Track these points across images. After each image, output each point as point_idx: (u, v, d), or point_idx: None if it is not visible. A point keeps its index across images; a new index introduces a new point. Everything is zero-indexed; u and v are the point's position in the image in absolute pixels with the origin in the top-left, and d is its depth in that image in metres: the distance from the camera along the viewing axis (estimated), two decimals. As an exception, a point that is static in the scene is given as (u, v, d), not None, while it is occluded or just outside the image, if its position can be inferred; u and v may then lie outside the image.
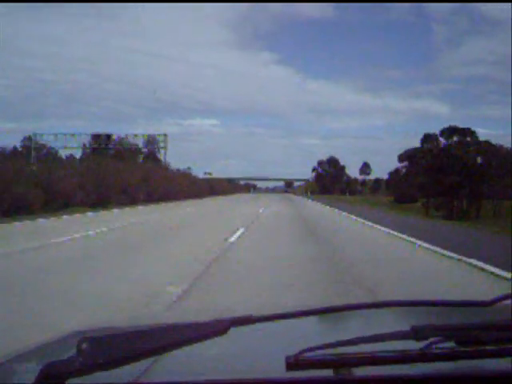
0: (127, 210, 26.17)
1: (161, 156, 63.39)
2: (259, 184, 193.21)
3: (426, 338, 0.81)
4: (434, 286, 6.33)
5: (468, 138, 36.59)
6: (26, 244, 9.95)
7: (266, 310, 1.44)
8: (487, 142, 35.45)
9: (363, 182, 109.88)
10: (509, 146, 34.27)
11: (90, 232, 12.58)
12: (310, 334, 1.22)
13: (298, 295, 5.54)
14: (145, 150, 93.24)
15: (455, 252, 9.10)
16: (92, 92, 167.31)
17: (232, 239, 11.33)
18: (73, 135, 51.73)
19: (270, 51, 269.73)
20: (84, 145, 52.02)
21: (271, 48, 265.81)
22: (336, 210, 28.69)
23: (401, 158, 71.84)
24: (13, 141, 61.80)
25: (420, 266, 8.18)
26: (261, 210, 25.18)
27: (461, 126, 36.65)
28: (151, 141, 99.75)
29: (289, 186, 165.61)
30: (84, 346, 0.73)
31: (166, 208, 29.35)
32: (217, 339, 0.82)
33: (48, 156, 51.62)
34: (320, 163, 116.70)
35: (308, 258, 8.43)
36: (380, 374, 0.82)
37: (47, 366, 0.73)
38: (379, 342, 0.81)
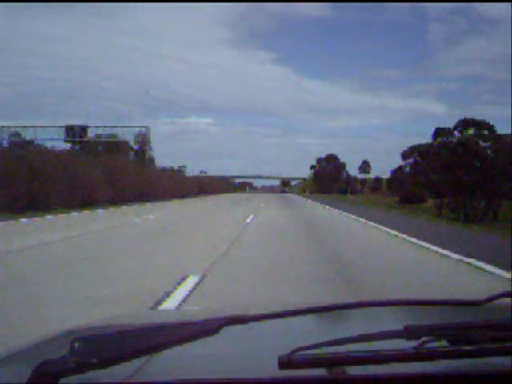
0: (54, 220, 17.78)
1: (148, 152, 58.08)
2: (255, 182, 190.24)
3: (418, 338, 0.81)
4: None
5: (485, 132, 32.77)
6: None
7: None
8: (507, 136, 31.69)
9: (363, 181, 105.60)
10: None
11: None
12: (303, 334, 1.20)
13: None
14: (136, 146, 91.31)
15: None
16: (90, 90, 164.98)
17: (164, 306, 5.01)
18: (43, 127, 46.92)
19: (267, 50, 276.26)
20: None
21: (268, 47, 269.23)
22: (344, 212, 24.78)
23: (404, 156, 68.10)
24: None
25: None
26: (249, 219, 17.46)
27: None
28: (142, 137, 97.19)
29: (286, 184, 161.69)
30: (77, 345, 0.73)
31: (110, 216, 20.21)
32: (209, 338, 0.82)
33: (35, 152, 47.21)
34: (319, 160, 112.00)
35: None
36: (373, 374, 0.82)
37: (40, 366, 0.73)
38: (372, 341, 0.82)
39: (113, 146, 58.22)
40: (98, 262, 7.89)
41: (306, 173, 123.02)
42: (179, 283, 6.03)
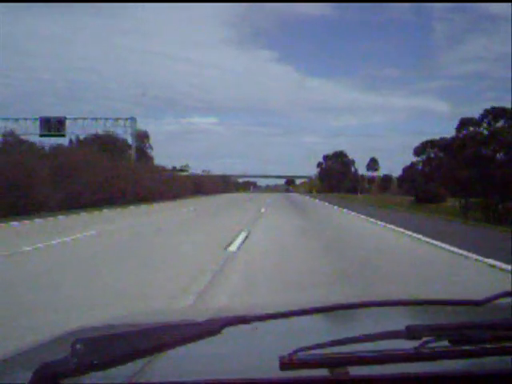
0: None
1: (148, 150, 54.08)
2: (259, 182, 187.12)
3: (419, 338, 0.81)
4: None
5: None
6: None
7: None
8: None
9: (371, 179, 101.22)
10: None
11: None
12: (304, 334, 1.19)
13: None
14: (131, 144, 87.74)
15: None
16: (91, 90, 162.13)
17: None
18: (16, 120, 41.59)
19: (270, 49, 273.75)
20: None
21: (270, 46, 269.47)
22: (361, 215, 21.04)
23: (417, 151, 64.01)
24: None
25: None
26: (236, 244, 9.90)
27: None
28: (140, 134, 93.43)
29: (290, 183, 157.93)
30: (78, 346, 0.73)
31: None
32: (210, 339, 0.82)
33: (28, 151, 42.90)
34: (326, 158, 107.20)
35: None
36: (374, 374, 0.82)
37: (41, 367, 0.73)
38: (374, 341, 0.81)
39: (123, 146, 54.55)
40: None
41: (311, 172, 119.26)
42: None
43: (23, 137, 38.64)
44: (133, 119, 48.37)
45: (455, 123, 30.92)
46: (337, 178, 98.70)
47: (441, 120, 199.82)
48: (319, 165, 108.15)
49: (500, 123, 29.39)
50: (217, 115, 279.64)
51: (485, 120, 30.21)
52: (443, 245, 9.88)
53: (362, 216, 19.73)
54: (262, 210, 24.49)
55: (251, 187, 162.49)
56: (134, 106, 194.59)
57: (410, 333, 0.80)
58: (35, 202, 21.10)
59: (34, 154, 26.53)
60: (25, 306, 4.89)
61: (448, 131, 43.45)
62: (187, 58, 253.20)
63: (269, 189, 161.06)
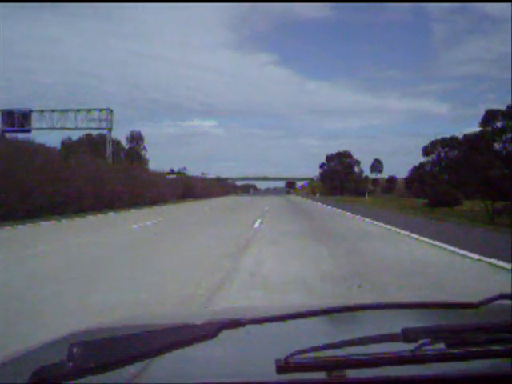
0: None
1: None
2: (259, 184, 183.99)
3: (415, 341, 0.81)
4: None
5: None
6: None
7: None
8: None
9: (375, 181, 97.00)
10: None
11: None
12: (300, 337, 1.19)
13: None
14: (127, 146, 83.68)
15: None
16: (89, 94, 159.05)
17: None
18: None
19: (269, 52, 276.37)
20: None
21: (270, 49, 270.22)
22: (382, 224, 17.23)
23: (426, 151, 59.88)
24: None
25: None
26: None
27: (458, 124, 26.13)
28: (134, 136, 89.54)
29: (291, 186, 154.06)
30: (75, 350, 0.73)
31: None
32: (207, 342, 0.82)
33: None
34: (328, 158, 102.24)
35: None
36: (370, 377, 0.82)
37: (37, 371, 0.73)
38: (370, 344, 0.81)
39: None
40: None
41: (311, 174, 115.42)
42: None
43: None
44: (109, 110, 42.00)
45: (455, 125, 27.18)
46: (340, 179, 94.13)
47: (440, 121, 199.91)
48: (322, 166, 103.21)
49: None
50: (216, 118, 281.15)
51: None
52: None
53: (397, 229, 14.12)
54: (256, 225, 15.97)
55: (251, 190, 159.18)
56: (133, 110, 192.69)
57: (406, 336, 0.80)
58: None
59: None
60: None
61: (448, 133, 39.91)
62: (186, 61, 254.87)
63: (269, 191, 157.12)
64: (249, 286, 6.09)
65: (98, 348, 0.75)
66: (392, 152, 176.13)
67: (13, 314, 4.83)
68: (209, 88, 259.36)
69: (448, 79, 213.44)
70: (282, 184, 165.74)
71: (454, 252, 9.29)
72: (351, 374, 0.81)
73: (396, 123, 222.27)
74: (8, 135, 31.70)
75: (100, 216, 22.79)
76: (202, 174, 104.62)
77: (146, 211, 27.63)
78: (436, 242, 10.77)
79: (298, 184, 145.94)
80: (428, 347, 0.81)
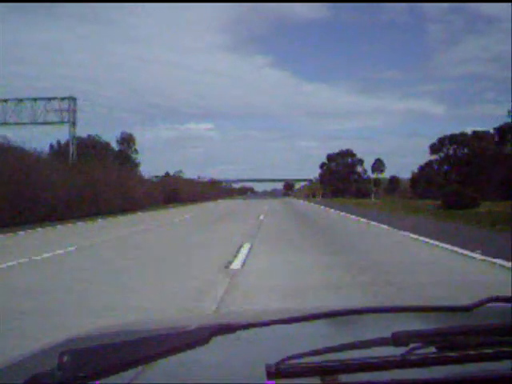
0: None
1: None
2: (256, 187, 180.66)
3: (406, 344, 0.81)
4: None
5: None
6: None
7: None
8: None
9: (377, 181, 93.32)
10: None
11: None
12: (291, 342, 1.16)
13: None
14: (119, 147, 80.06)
15: None
16: (87, 98, 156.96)
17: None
18: None
19: (265, 54, 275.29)
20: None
21: (266, 51, 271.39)
22: (413, 235, 13.65)
23: (433, 149, 56.15)
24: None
25: None
26: None
27: (457, 125, 22.82)
28: (125, 138, 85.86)
29: (289, 188, 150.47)
30: (65, 358, 0.73)
31: None
32: (200, 348, 0.82)
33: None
34: (330, 157, 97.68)
35: None
36: (361, 381, 0.81)
37: (30, 379, 0.73)
38: (361, 348, 0.81)
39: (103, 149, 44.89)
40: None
41: (310, 176, 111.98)
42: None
43: None
44: (72, 99, 35.82)
45: (452, 124, 23.66)
46: (342, 180, 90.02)
47: (438, 122, 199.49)
48: (322, 166, 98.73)
49: None
50: (212, 121, 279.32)
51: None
52: None
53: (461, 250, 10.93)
54: (245, 247, 10.51)
55: (248, 192, 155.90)
56: (130, 113, 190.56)
57: (397, 339, 0.80)
58: None
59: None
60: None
61: (446, 132, 36.58)
62: (182, 64, 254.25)
63: (266, 194, 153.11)
64: None
65: (89, 356, 0.74)
66: (391, 152, 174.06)
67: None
68: (205, 90, 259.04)
69: (445, 79, 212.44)
70: (279, 186, 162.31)
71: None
72: (343, 379, 0.80)
73: (394, 124, 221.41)
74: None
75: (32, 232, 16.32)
76: (198, 177, 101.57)
77: (103, 223, 20.90)
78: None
79: (296, 186, 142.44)
80: (419, 351, 0.80)
